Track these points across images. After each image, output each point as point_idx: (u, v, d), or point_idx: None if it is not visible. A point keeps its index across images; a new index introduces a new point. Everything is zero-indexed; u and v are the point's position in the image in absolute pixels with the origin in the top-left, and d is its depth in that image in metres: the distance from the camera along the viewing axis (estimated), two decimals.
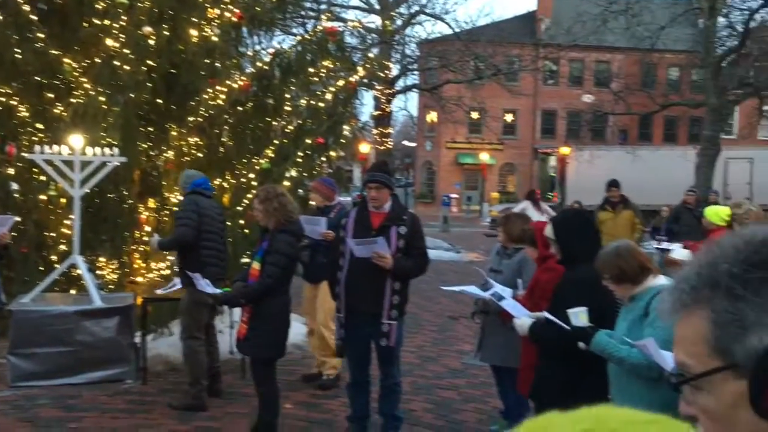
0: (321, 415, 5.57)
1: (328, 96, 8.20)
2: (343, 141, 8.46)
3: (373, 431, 5.00)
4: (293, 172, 7.78)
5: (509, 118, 41.65)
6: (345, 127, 8.46)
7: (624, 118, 30.49)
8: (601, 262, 3.34)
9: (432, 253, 17.56)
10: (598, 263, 3.35)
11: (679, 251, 6.77)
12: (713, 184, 19.79)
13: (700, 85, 24.13)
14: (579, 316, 3.40)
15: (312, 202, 6.59)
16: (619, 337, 3.21)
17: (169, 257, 7.12)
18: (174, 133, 7.59)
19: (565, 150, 28.41)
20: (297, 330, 7.91)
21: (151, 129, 7.57)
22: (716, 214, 6.55)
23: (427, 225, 24.86)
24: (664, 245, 9.03)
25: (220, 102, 7.50)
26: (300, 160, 7.88)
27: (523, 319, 3.85)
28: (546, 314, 3.66)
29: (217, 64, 7.57)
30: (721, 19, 20.32)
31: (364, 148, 21.50)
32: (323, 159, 8.33)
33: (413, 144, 48.68)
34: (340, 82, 8.36)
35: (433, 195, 41.42)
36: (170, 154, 7.59)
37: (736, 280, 0.81)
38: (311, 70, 8.17)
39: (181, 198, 6.22)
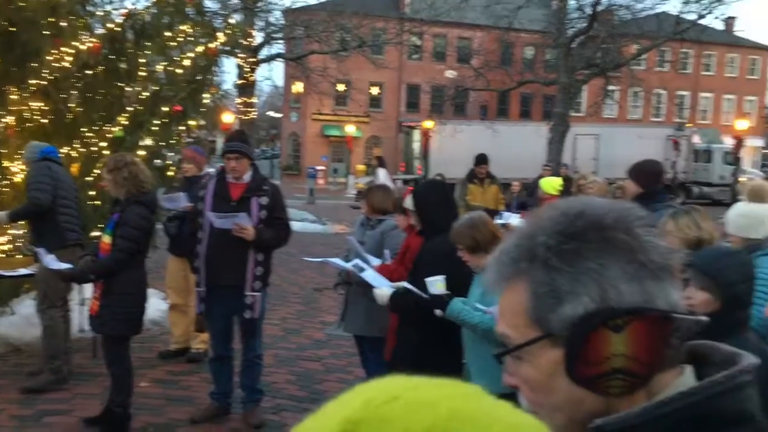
0: (179, 392, 5.40)
1: (187, 62, 7.84)
2: (203, 109, 8.15)
3: (236, 405, 4.93)
4: (148, 141, 7.41)
5: (375, 91, 42.01)
6: (205, 95, 8.15)
7: (484, 94, 31.59)
8: (456, 233, 3.44)
9: (297, 225, 17.44)
10: (452, 234, 3.45)
11: (516, 220, 7.13)
12: (563, 159, 21.05)
13: (553, 64, 25.45)
14: (436, 284, 3.49)
15: (186, 174, 6.27)
16: (473, 304, 3.33)
17: (10, 231, 6.58)
18: (14, 97, 6.98)
19: (428, 124, 29.05)
20: (156, 305, 7.62)
21: None
22: (550, 184, 7.03)
23: (292, 197, 24.63)
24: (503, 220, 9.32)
25: (66, 64, 6.96)
26: (156, 128, 7.51)
27: (383, 289, 3.90)
28: (405, 284, 3.74)
29: (62, 23, 7.01)
30: (572, 2, 21.50)
31: (228, 117, 20.89)
32: (182, 128, 7.99)
33: (279, 115, 47.99)
34: (199, 48, 8.02)
35: (299, 167, 41.14)
36: (10, 119, 6.98)
37: (551, 251, 0.82)
38: (168, 34, 7.77)
39: (25, 168, 5.79)
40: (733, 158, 30.13)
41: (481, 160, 9.86)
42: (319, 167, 35.55)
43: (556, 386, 0.84)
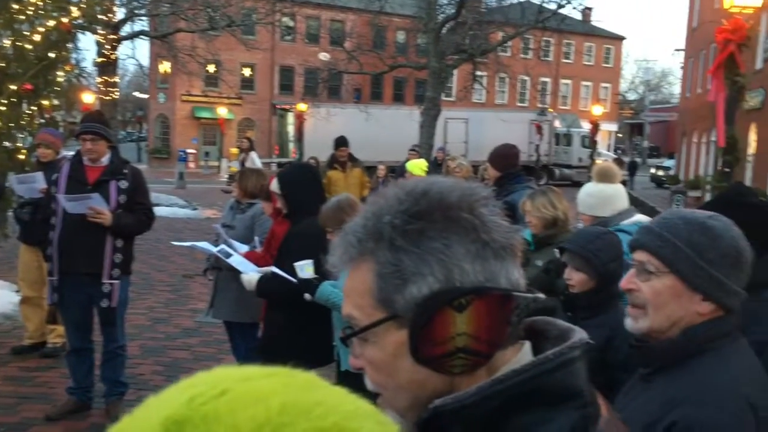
0: (34, 389, 5.06)
1: (37, 37, 7.28)
2: (57, 88, 7.61)
3: (98, 400, 4.69)
4: None
5: (247, 72, 41.06)
6: (59, 73, 7.61)
7: (358, 77, 31.67)
8: (324, 216, 3.43)
9: (166, 211, 16.79)
10: (320, 217, 3.44)
11: None
12: (435, 142, 21.54)
13: (424, 49, 25.90)
14: (305, 268, 3.47)
15: (43, 159, 5.75)
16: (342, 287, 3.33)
17: None
18: None
19: (302, 106, 28.80)
20: (7, 298, 7.10)
21: None
22: (416, 166, 7.22)
23: (161, 181, 23.64)
24: None
25: None
26: (3, 108, 6.94)
27: (250, 274, 3.83)
28: (273, 269, 3.68)
29: None
30: None
31: (88, 98, 19.69)
32: (33, 108, 7.43)
33: (145, 96, 45.83)
34: (51, 22, 7.46)
35: (169, 150, 39.58)
36: None
37: (396, 231, 0.81)
38: (15, 6, 7.17)
39: None
40: (590, 142, 32.12)
41: (341, 142, 9.45)
42: (189, 150, 34.38)
43: (401, 367, 0.83)
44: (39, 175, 5.33)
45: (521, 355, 0.86)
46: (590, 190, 3.61)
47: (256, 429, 0.45)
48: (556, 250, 3.68)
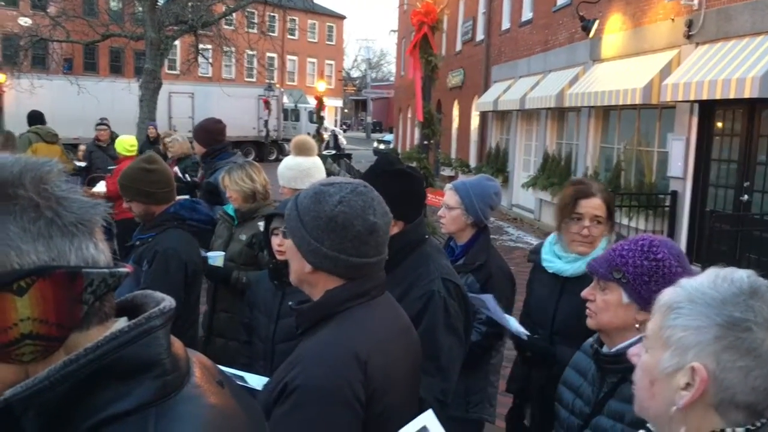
0: None
1: None
2: None
3: None
4: None
5: None
6: None
7: (68, 47, 28.86)
8: None
9: None
10: None
11: (100, 185, 6.83)
12: (158, 117, 20.55)
13: (141, 18, 24.45)
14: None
15: None
16: None
17: None
18: None
19: (0, 77, 25.56)
20: None
21: None
22: (122, 144, 6.88)
23: None
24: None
25: None
26: None
27: None
28: None
29: None
30: None
31: None
32: None
33: None
34: None
35: None
36: None
37: None
38: None
39: None
40: (317, 117, 33.11)
41: (36, 118, 8.85)
42: None
43: None
44: None
45: (110, 333, 0.81)
46: (289, 163, 3.68)
47: None
48: (260, 224, 3.71)
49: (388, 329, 1.57)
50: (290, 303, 1.67)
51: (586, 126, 14.22)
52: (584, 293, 1.92)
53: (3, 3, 34.79)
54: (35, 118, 8.88)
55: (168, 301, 0.85)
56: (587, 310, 1.92)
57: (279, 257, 2.80)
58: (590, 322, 1.91)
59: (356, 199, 1.52)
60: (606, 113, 13.77)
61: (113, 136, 8.87)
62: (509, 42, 19.86)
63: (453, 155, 25.18)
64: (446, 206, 2.97)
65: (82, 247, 0.79)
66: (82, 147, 10.54)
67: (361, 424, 1.43)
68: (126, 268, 0.83)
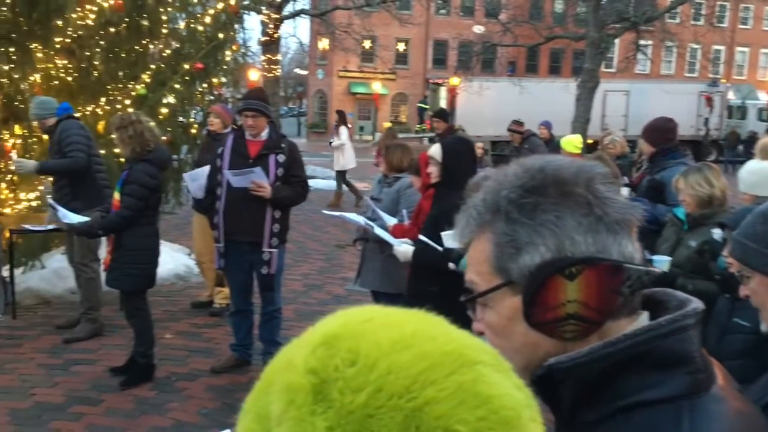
0: (201, 343, 5.58)
1: (208, 19, 7.85)
2: (225, 67, 8.18)
3: (257, 357, 5.07)
4: (171, 99, 7.48)
5: (401, 47, 41.52)
6: (227, 52, 8.16)
7: (513, 50, 31.11)
8: (471, 189, 3.47)
9: (323, 183, 17.27)
10: (469, 189, 3.48)
11: None
12: (592, 116, 20.71)
13: (583, 18, 24.85)
14: (450, 238, 3.54)
15: (210, 127, 6.40)
16: None
17: (39, 187, 6.75)
18: (39, 55, 7.07)
19: (455, 80, 28.72)
20: (180, 260, 7.80)
21: (12, 49, 7.01)
22: (570, 142, 7.02)
23: (318, 155, 24.47)
24: None
25: (89, 22, 7.02)
26: (178, 86, 7.57)
27: (404, 246, 3.96)
28: (421, 237, 3.78)
29: None
30: None
31: (254, 75, 20.86)
32: (204, 85, 8.04)
33: (305, 72, 47.73)
34: (220, 5, 8.01)
35: (326, 124, 41.06)
36: (36, 77, 7.08)
37: (512, 204, 0.88)
38: None
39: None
40: (767, 114, 29.44)
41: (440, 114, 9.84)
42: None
43: (516, 331, 0.90)
44: (203, 171, 5.81)
45: (636, 324, 0.89)
46: (753, 167, 3.38)
47: (392, 345, 0.56)
48: (714, 231, 3.48)
49: None
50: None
51: None
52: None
53: (461, 13, 38.93)
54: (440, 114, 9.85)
55: (697, 302, 0.89)
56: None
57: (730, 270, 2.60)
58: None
59: None
60: None
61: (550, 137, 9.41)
62: None
63: None
64: None
65: (623, 244, 0.87)
66: (480, 145, 11.48)
67: None
68: (656, 270, 0.89)
